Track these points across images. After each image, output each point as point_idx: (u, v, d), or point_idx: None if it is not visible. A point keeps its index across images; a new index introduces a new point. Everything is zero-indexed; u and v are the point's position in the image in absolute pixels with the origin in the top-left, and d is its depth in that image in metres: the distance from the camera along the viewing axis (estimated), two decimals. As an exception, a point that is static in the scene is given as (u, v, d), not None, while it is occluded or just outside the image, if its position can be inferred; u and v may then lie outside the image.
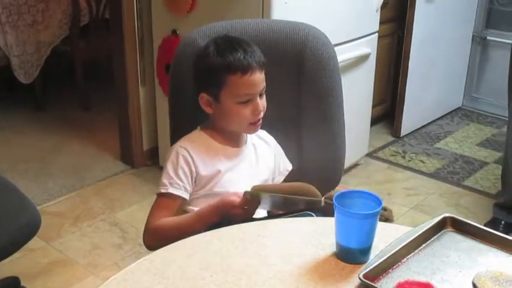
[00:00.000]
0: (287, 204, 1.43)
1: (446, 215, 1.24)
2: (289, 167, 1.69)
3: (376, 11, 3.00)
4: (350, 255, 1.13)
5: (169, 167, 1.49)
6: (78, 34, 3.86)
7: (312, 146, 1.71)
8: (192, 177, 1.49)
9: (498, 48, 3.87)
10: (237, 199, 1.39)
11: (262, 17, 2.45)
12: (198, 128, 1.58)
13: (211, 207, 1.44)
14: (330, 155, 1.74)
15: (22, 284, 2.21)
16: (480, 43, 3.98)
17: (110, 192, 3.00)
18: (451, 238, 1.21)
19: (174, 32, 2.80)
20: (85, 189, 3.03)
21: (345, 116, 1.75)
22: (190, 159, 1.48)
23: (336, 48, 1.74)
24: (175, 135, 1.64)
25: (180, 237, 1.45)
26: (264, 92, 1.51)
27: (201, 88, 1.52)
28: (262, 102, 1.50)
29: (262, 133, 1.64)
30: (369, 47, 3.01)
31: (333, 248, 1.16)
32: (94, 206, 2.88)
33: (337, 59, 1.72)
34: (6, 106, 3.97)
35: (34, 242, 2.34)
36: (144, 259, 1.15)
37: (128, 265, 1.13)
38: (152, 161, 3.25)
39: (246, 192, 1.37)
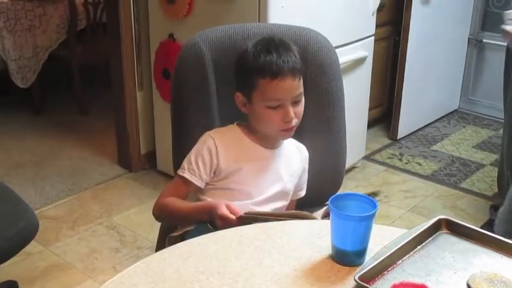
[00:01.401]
0: None
1: (441, 217, 1.25)
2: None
3: (372, 14, 3.01)
4: (346, 257, 1.14)
5: (192, 152, 1.51)
6: (75, 38, 3.87)
7: (314, 149, 1.71)
8: (211, 168, 1.50)
9: (494, 51, 3.88)
10: (225, 212, 1.38)
11: (259, 21, 2.46)
12: (235, 122, 1.58)
13: (205, 205, 1.47)
14: (331, 159, 1.74)
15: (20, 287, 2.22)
16: (476, 46, 4.00)
17: (107, 196, 3.01)
18: (445, 240, 1.21)
19: (171, 36, 2.81)
20: (82, 193, 3.03)
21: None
22: (214, 150, 1.49)
23: (332, 52, 1.75)
24: (178, 142, 1.64)
25: (178, 220, 1.52)
26: (299, 99, 1.48)
27: (237, 87, 1.52)
28: (296, 110, 1.46)
29: (298, 143, 1.63)
30: (365, 50, 3.02)
31: (328, 251, 1.17)
32: (91, 210, 2.88)
33: (339, 64, 1.72)
34: (3, 110, 3.98)
35: (32, 246, 2.35)
36: (141, 262, 1.15)
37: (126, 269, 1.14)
38: (150, 165, 3.25)
39: (241, 217, 1.36)
